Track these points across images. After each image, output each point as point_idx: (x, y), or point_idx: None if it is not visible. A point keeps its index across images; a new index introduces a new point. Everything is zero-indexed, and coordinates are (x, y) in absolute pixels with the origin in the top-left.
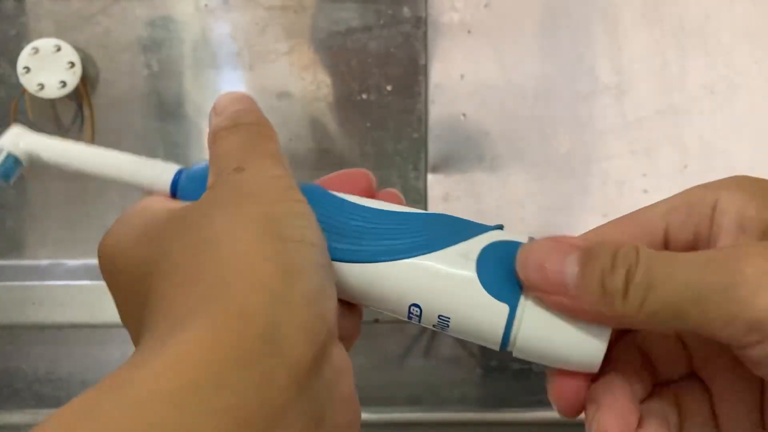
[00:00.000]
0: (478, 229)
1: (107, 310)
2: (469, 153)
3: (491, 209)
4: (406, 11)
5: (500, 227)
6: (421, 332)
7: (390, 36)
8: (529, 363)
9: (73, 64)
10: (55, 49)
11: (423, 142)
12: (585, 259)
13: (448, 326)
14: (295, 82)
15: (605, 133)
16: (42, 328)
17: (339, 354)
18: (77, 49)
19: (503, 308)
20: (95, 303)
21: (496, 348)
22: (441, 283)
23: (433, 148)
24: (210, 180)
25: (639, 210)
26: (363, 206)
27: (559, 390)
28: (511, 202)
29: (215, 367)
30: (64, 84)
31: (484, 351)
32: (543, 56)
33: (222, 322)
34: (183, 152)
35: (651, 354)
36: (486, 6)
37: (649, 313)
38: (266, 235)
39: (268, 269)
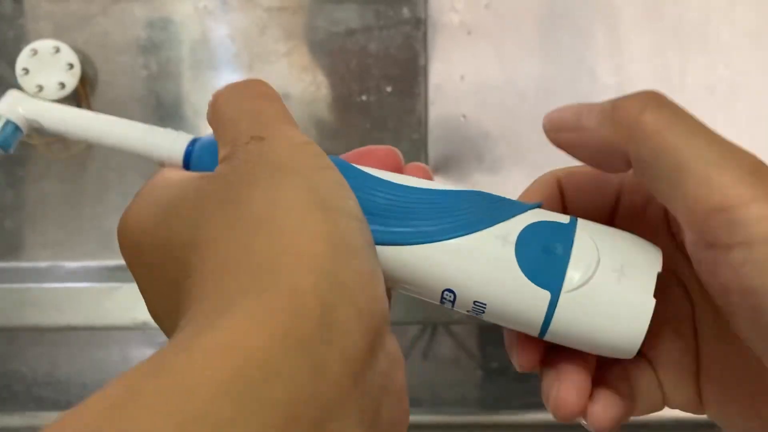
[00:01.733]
0: (516, 208)
1: (106, 313)
2: (469, 154)
3: None
4: (405, 12)
5: (538, 205)
6: (421, 333)
7: (390, 37)
8: None
9: (72, 66)
10: (54, 50)
11: (423, 143)
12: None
13: (483, 312)
14: (294, 83)
15: None
16: (41, 330)
17: (392, 342)
18: (76, 50)
19: (545, 295)
20: (94, 305)
21: (535, 334)
22: (477, 268)
23: (433, 150)
24: (223, 151)
25: None
26: (391, 182)
27: (520, 347)
28: None
29: (266, 355)
30: (63, 85)
31: (484, 352)
32: (543, 57)
33: (273, 304)
34: None
35: None
36: (486, 7)
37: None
38: (312, 209)
39: (319, 247)
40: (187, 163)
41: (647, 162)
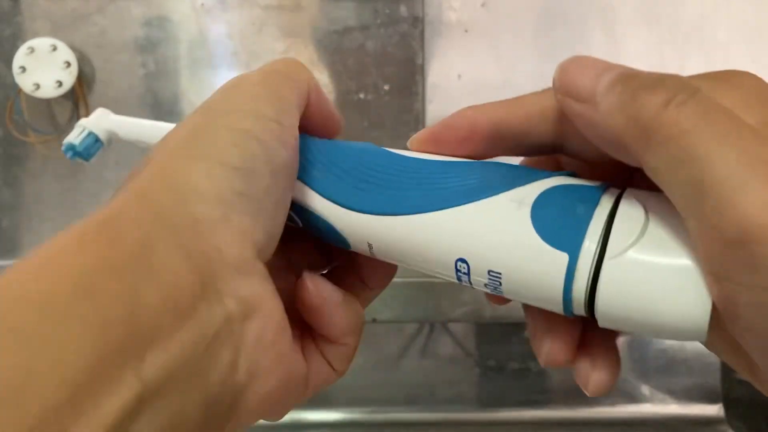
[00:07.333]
0: (541, 174)
1: None
2: None
3: None
4: (403, 10)
5: (573, 174)
6: (419, 332)
7: (387, 35)
8: (526, 362)
9: (69, 64)
10: (51, 48)
11: None
12: (624, 74)
13: (500, 284)
14: None
15: None
16: None
17: (255, 289)
18: (73, 48)
19: (562, 257)
20: None
21: (560, 309)
22: (489, 233)
23: None
24: None
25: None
26: (404, 156)
27: (552, 336)
28: None
29: (77, 276)
30: (60, 84)
31: (481, 350)
32: (540, 55)
33: (89, 234)
34: None
35: None
36: (483, 5)
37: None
38: (181, 158)
39: (161, 195)
40: None
41: (661, 171)
